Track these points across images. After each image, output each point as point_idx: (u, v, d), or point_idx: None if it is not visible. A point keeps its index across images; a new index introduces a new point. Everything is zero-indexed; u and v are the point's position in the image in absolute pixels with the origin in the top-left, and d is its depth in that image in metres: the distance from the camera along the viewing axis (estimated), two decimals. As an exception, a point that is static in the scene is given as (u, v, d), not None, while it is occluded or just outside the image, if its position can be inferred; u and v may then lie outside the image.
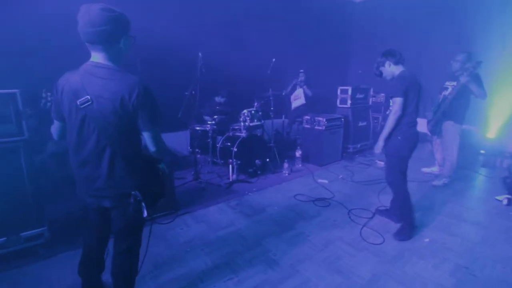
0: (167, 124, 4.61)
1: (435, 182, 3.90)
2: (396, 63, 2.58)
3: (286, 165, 4.33)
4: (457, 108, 3.57)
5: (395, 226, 2.80)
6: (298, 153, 4.69)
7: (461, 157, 5.09)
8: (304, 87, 5.54)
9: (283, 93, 5.63)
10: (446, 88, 3.66)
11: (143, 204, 1.46)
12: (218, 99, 4.80)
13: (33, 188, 2.34)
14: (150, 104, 1.37)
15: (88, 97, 1.30)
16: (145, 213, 1.46)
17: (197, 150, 4.18)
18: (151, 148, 1.46)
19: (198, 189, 3.74)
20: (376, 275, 2.14)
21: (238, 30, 5.23)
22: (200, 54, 3.81)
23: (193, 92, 3.79)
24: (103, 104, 1.30)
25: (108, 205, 1.50)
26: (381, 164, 4.74)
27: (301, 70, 5.62)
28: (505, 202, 3.27)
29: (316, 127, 4.73)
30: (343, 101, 5.35)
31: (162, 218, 2.97)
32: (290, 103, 5.79)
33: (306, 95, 5.57)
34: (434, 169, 4.34)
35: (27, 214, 2.30)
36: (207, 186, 3.82)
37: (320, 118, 4.67)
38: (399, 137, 2.56)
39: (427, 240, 2.60)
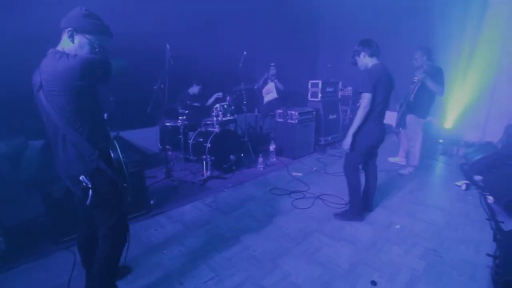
0: (135, 120, 4.38)
1: (402, 171, 4.13)
2: (371, 55, 2.57)
3: (260, 159, 4.31)
4: (420, 102, 3.74)
5: (368, 214, 2.92)
6: (272, 147, 4.70)
7: (423, 147, 5.44)
8: (276, 81, 5.53)
9: (255, 87, 5.59)
10: (413, 82, 3.81)
11: (90, 191, 1.43)
12: (192, 89, 4.64)
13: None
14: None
15: (39, 80, 1.37)
16: (89, 201, 1.44)
17: (167, 146, 4.01)
18: None
19: (171, 188, 3.59)
20: (354, 263, 2.21)
21: (208, 22, 5.06)
22: (168, 45, 3.62)
23: (162, 86, 3.60)
24: (49, 86, 1.36)
25: (71, 188, 1.59)
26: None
27: (272, 64, 5.60)
28: (463, 187, 3.54)
29: (289, 121, 4.76)
30: (314, 94, 5.43)
31: (135, 219, 2.81)
32: (262, 97, 5.77)
33: (277, 89, 5.57)
34: (398, 159, 4.59)
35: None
36: (181, 184, 3.68)
37: (293, 112, 4.70)
38: (362, 131, 2.58)
39: (398, 226, 2.73)
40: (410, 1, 5.81)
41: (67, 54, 1.37)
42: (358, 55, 2.62)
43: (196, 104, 4.54)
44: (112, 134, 4.22)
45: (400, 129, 4.26)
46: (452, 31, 5.40)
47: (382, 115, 2.63)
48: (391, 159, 4.64)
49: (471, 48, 5.25)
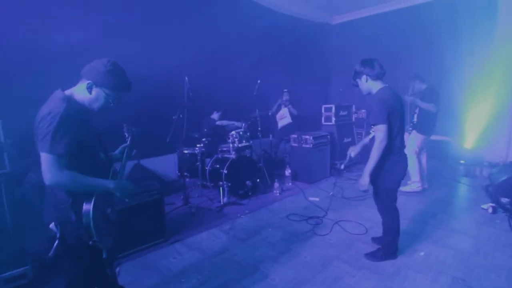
0: (154, 149, 4.55)
1: (402, 188, 3.86)
2: (374, 78, 2.27)
3: (276, 184, 4.32)
4: (421, 120, 4.07)
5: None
6: (287, 172, 4.71)
7: (444, 168, 5.30)
8: (289, 106, 5.65)
9: (269, 113, 5.71)
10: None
11: (56, 242, 1.33)
12: (213, 116, 4.82)
13: (14, 223, 2.20)
14: (47, 126, 1.30)
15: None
16: (51, 252, 1.33)
17: (185, 173, 4.11)
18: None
19: (189, 214, 3.63)
20: (377, 294, 2.12)
21: (223, 53, 5.33)
22: (186, 78, 3.83)
23: (181, 116, 3.77)
24: (36, 126, 1.35)
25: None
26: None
27: (285, 90, 5.74)
28: (490, 210, 3.39)
29: (304, 145, 4.79)
30: (328, 118, 5.48)
31: (153, 247, 2.84)
32: (276, 123, 5.87)
33: (291, 114, 5.67)
34: (414, 186, 4.24)
35: (7, 252, 2.14)
36: (198, 211, 3.72)
37: (307, 136, 4.74)
38: (384, 169, 2.28)
39: (422, 254, 2.62)
40: (423, 24, 5.92)
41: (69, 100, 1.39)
42: (360, 78, 2.33)
43: (222, 123, 4.72)
44: (132, 162, 4.39)
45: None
46: (464, 52, 5.42)
47: (403, 146, 2.34)
48: (404, 189, 4.16)
49: (486, 67, 5.21)
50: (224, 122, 4.82)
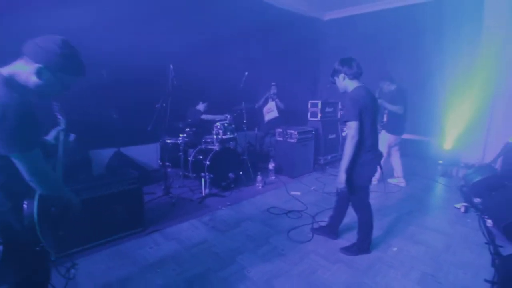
0: (136, 137, 4.45)
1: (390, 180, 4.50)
2: (351, 78, 2.33)
3: (259, 177, 4.32)
4: (390, 121, 4.26)
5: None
6: (271, 166, 4.72)
7: (422, 167, 5.45)
8: (277, 100, 5.63)
9: (256, 106, 5.68)
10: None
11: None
12: (198, 107, 4.73)
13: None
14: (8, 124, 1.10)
15: None
16: None
17: (167, 163, 4.05)
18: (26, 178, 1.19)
19: (169, 205, 3.60)
20: (350, 287, 2.17)
21: (211, 43, 5.23)
22: (171, 66, 3.74)
23: (164, 105, 3.69)
24: None
25: None
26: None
27: (273, 83, 5.72)
28: (462, 210, 3.52)
29: (288, 140, 4.80)
30: (314, 114, 5.51)
31: (130, 236, 2.80)
32: (263, 116, 5.85)
33: (278, 108, 5.66)
34: (395, 180, 4.57)
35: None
36: (179, 201, 3.69)
37: (292, 131, 4.75)
38: (357, 166, 2.33)
39: (395, 249, 2.70)
40: (411, 25, 5.99)
41: (10, 85, 1.15)
42: (337, 76, 2.39)
43: (208, 118, 4.66)
44: (113, 150, 4.28)
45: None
46: (448, 54, 5.53)
47: (376, 144, 2.40)
48: (391, 180, 4.62)
49: (469, 70, 5.34)
50: (209, 117, 4.76)
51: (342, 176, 2.32)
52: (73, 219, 1.48)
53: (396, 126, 4.24)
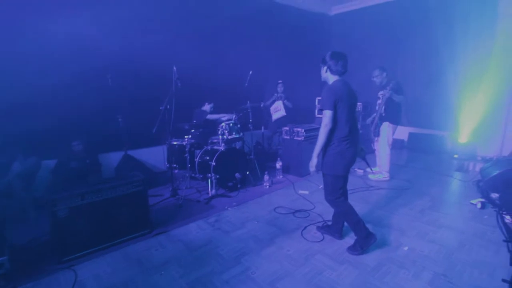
0: (143, 140, 4.50)
1: (372, 177, 4.49)
2: (333, 73, 2.43)
3: (266, 177, 4.28)
4: (390, 112, 4.21)
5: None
6: (278, 165, 4.66)
7: (437, 162, 5.27)
8: (285, 101, 5.58)
9: (261, 105, 5.64)
10: (379, 97, 4.34)
11: None
12: (205, 107, 4.74)
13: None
14: None
15: None
16: None
17: (174, 165, 4.07)
18: None
19: (176, 206, 3.61)
20: (357, 288, 2.10)
21: (215, 43, 5.23)
22: (174, 67, 3.74)
23: (168, 107, 3.70)
24: None
25: None
26: (360, 172, 4.79)
27: (280, 81, 5.66)
28: (479, 206, 3.36)
29: (295, 138, 4.73)
30: (321, 111, 5.40)
31: (136, 239, 2.82)
32: (269, 115, 5.80)
33: (286, 107, 5.60)
34: (377, 169, 4.64)
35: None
36: (185, 203, 3.69)
37: (299, 129, 4.68)
38: (332, 154, 2.43)
39: (406, 248, 2.60)
40: (422, 16, 5.79)
41: None
42: (323, 66, 2.49)
43: (213, 117, 4.68)
44: (121, 153, 4.35)
45: (375, 138, 4.48)
46: (461, 46, 5.31)
47: (354, 135, 2.47)
48: (372, 177, 4.56)
49: (483, 61, 5.11)
50: (215, 116, 4.75)
51: (313, 160, 2.49)
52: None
53: (397, 116, 4.28)
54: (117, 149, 4.27)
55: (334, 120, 2.35)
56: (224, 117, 4.62)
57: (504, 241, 2.59)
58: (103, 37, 3.86)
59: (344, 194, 2.64)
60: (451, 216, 3.22)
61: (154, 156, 4.68)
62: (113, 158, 4.32)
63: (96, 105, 3.86)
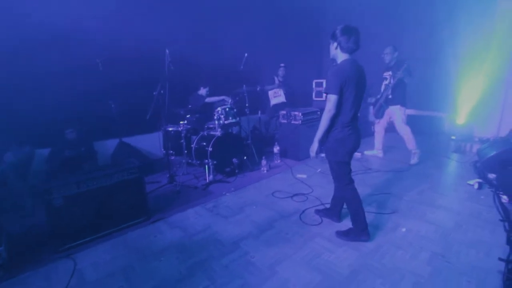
0: (138, 126, 4.42)
1: (412, 161, 4.28)
2: (344, 51, 2.20)
3: (264, 162, 4.25)
4: (399, 94, 4.14)
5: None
6: (276, 149, 4.63)
7: (434, 143, 5.27)
8: (284, 89, 5.50)
9: (258, 89, 5.54)
10: (386, 78, 4.23)
11: None
12: (200, 92, 4.65)
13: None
14: None
15: None
16: None
17: (171, 151, 4.02)
18: None
19: (173, 193, 3.59)
20: (355, 270, 2.11)
21: (208, 24, 5.06)
22: (167, 50, 3.62)
23: (162, 92, 3.61)
24: None
25: None
26: (358, 155, 4.78)
27: (282, 65, 5.50)
28: (476, 186, 3.37)
29: (293, 122, 4.68)
30: (319, 94, 5.35)
31: (134, 226, 2.81)
32: (265, 99, 5.71)
33: (286, 94, 5.52)
34: (375, 152, 4.72)
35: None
36: (183, 189, 3.67)
37: (296, 113, 4.62)
38: (334, 140, 2.31)
39: (403, 230, 2.62)
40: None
41: None
42: (333, 42, 2.24)
43: (211, 100, 4.63)
44: (115, 140, 4.28)
45: (377, 120, 4.46)
46: (460, 25, 5.19)
47: (356, 120, 2.33)
48: (368, 152, 4.76)
49: (482, 42, 5.01)
50: (213, 99, 4.65)
51: (314, 145, 2.39)
52: None
53: (405, 97, 4.19)
54: (112, 136, 4.20)
55: (339, 104, 2.19)
56: (223, 99, 4.54)
57: (501, 220, 2.61)
58: (91, 21, 3.70)
59: (351, 180, 2.49)
60: (448, 197, 3.23)
61: (150, 143, 4.62)
62: (109, 145, 4.26)
63: (87, 91, 3.76)
